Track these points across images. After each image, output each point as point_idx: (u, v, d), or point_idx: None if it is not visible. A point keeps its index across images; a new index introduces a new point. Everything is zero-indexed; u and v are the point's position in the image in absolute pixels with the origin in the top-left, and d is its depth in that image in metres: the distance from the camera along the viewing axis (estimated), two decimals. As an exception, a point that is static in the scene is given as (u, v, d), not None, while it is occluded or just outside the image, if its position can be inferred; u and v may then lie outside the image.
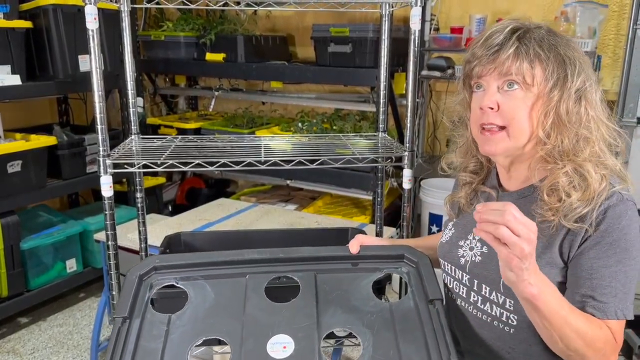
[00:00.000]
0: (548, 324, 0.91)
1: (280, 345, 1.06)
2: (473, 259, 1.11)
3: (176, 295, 1.18)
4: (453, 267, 1.17)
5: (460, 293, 1.15)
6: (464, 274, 1.13)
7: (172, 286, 1.18)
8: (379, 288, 1.32)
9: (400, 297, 1.18)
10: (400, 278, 1.25)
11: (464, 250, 1.14)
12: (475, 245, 1.12)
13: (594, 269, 0.97)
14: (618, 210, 0.96)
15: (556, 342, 0.94)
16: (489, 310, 1.09)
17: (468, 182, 1.20)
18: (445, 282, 1.21)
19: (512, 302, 1.04)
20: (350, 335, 1.19)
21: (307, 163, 1.58)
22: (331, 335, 1.17)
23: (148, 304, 1.14)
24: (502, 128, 1.02)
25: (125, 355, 1.03)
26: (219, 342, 1.12)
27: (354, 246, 1.21)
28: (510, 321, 1.06)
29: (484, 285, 1.09)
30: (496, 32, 1.02)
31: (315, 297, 1.14)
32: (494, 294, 1.07)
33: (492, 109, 1.01)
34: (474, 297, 1.12)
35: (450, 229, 1.22)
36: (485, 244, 1.08)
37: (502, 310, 1.07)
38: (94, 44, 1.44)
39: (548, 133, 1.00)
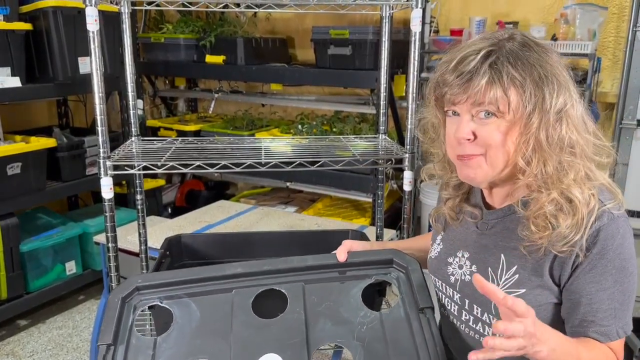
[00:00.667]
0: None
1: None
2: (463, 278, 1.08)
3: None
4: (444, 285, 1.14)
5: (452, 310, 1.13)
6: (455, 292, 1.11)
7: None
8: (380, 290, 1.31)
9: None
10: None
11: (453, 268, 1.11)
12: (465, 263, 1.09)
13: (592, 293, 0.95)
14: (610, 231, 0.93)
15: None
16: (481, 330, 1.06)
17: (451, 197, 1.16)
18: (438, 297, 1.18)
19: None
20: None
21: (308, 165, 1.58)
22: None
23: (132, 327, 1.11)
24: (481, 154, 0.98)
25: None
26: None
27: (341, 254, 1.18)
28: None
29: (475, 306, 1.06)
30: (468, 56, 0.94)
31: (304, 310, 1.12)
32: (485, 315, 1.04)
33: (469, 139, 0.96)
34: (465, 315, 1.09)
35: (438, 244, 1.19)
36: (475, 262, 1.06)
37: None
38: (94, 45, 1.44)
39: (528, 160, 0.94)
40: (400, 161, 1.66)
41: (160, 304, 1.15)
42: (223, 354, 1.06)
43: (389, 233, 2.19)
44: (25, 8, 2.56)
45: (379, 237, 1.96)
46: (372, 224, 2.58)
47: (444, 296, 1.15)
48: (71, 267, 2.84)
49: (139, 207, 1.88)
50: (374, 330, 1.09)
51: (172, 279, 1.18)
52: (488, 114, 0.94)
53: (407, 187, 1.66)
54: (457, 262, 1.11)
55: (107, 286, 2.20)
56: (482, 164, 0.97)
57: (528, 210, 0.97)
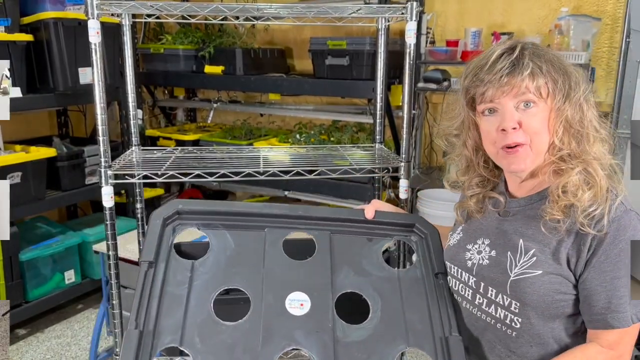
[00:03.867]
0: None
1: (298, 302, 1.12)
2: (480, 262, 1.14)
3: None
4: (459, 270, 1.19)
5: (466, 295, 1.17)
6: (470, 277, 1.15)
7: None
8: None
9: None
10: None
11: (471, 254, 1.17)
12: (484, 249, 1.15)
13: (607, 281, 1.02)
14: (624, 223, 1.01)
15: None
16: (494, 313, 1.11)
17: (476, 194, 1.21)
18: (450, 284, 1.23)
19: (518, 304, 1.07)
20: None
21: (305, 173, 1.60)
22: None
23: (172, 248, 1.17)
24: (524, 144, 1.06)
25: (152, 301, 1.07)
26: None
27: (369, 211, 1.29)
28: (514, 324, 1.09)
29: (490, 288, 1.11)
30: (503, 53, 1.04)
31: (330, 257, 1.20)
32: (500, 296, 1.09)
33: (514, 128, 1.04)
34: (479, 299, 1.14)
35: (458, 233, 1.24)
36: (494, 248, 1.12)
37: (507, 313, 1.09)
38: (96, 57, 1.46)
39: (562, 140, 1.04)
40: (396, 170, 1.68)
41: (197, 229, 1.22)
42: (255, 285, 1.13)
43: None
44: (27, 19, 2.59)
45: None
46: (370, 232, 2.59)
47: (457, 282, 1.20)
48: (70, 276, 2.85)
49: (139, 215, 1.89)
50: (391, 285, 1.18)
51: (211, 208, 1.25)
52: (527, 104, 1.03)
53: (403, 195, 1.69)
54: (476, 248, 1.17)
55: (107, 295, 2.21)
56: (529, 153, 1.05)
57: (557, 180, 1.05)
